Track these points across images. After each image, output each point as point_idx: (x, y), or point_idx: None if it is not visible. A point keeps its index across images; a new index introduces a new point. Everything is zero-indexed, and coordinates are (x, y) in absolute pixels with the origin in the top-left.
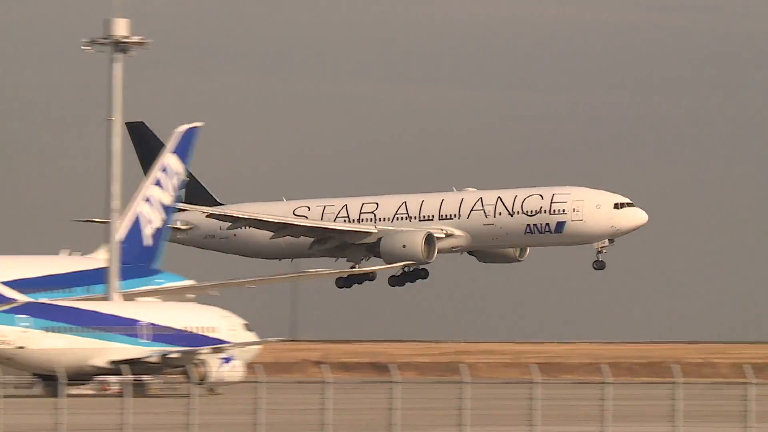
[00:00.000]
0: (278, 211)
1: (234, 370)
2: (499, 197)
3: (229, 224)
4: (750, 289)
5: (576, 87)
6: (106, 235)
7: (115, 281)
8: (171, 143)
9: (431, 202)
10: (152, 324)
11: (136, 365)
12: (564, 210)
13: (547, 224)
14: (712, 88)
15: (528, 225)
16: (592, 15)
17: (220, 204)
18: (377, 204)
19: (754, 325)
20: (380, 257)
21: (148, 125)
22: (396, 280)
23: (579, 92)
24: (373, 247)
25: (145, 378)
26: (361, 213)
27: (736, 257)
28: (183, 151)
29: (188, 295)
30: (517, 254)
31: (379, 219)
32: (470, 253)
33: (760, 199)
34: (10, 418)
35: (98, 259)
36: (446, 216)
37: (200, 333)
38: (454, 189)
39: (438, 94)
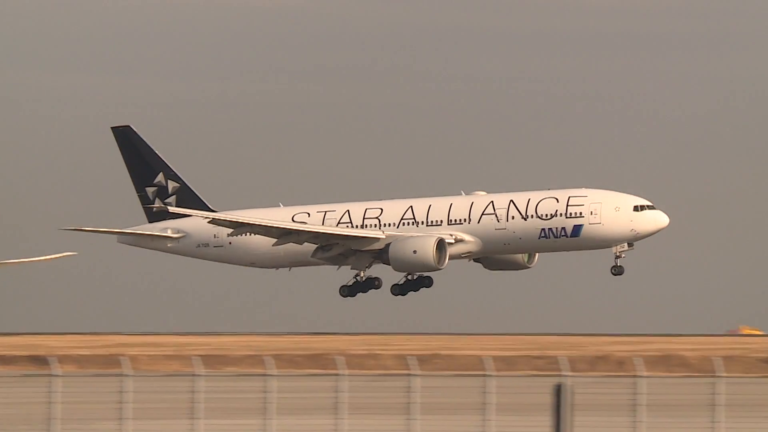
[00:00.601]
0: (276, 217)
1: None
2: (511, 201)
3: (232, 231)
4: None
5: (582, 83)
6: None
7: None
8: None
9: (439, 207)
10: None
11: None
12: (581, 213)
13: (563, 228)
14: (730, 84)
15: (543, 229)
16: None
17: (214, 211)
18: (381, 209)
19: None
20: (388, 264)
21: (135, 129)
22: (399, 289)
23: (583, 89)
24: (381, 254)
25: None
26: (364, 219)
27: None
28: None
29: None
30: (526, 260)
31: (384, 225)
32: (476, 260)
33: None
34: None
35: None
36: (456, 221)
37: None
38: (463, 193)
39: (438, 92)
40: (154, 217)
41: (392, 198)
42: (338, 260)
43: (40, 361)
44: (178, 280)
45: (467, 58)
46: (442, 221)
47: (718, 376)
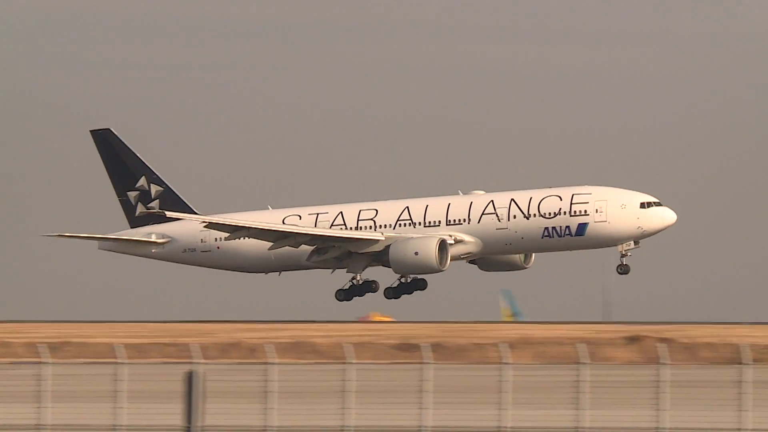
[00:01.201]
0: (266, 220)
1: None
2: (512, 199)
3: (228, 235)
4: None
5: (580, 76)
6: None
7: None
8: None
9: (437, 207)
10: None
11: None
12: (585, 211)
13: (568, 227)
14: (739, 80)
15: (546, 228)
16: None
17: (200, 215)
18: (376, 210)
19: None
20: (387, 266)
21: (115, 132)
22: (393, 292)
23: (580, 83)
24: (380, 256)
25: None
26: (359, 220)
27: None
28: None
29: None
30: (523, 261)
31: (380, 226)
32: (471, 261)
33: None
34: None
35: None
36: (455, 221)
37: None
38: (460, 192)
39: (432, 88)
40: (136, 222)
41: (386, 199)
42: (333, 263)
43: None
44: (166, 283)
45: (459, 51)
46: (440, 222)
47: (349, 363)
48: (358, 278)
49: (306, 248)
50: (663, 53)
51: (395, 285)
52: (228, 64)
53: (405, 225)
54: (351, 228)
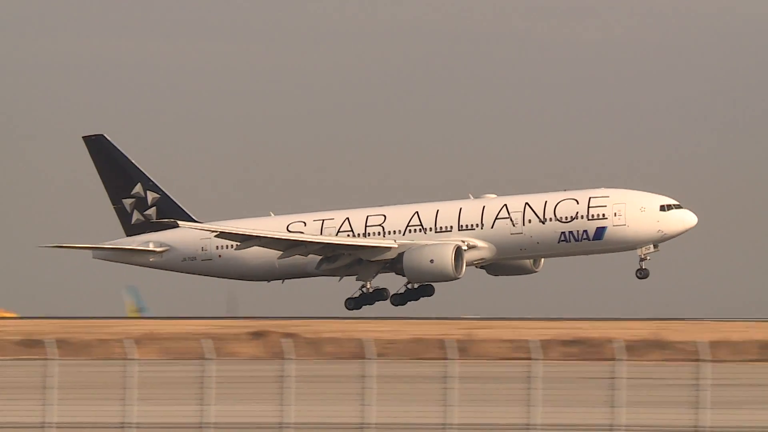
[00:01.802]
0: (269, 227)
1: None
2: (526, 203)
3: (239, 244)
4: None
5: (591, 79)
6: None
7: None
8: None
9: (448, 211)
10: None
11: None
12: (604, 215)
13: (585, 231)
14: (760, 80)
15: (563, 233)
16: None
17: (198, 222)
18: (385, 216)
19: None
20: (401, 274)
21: (108, 138)
22: (399, 298)
23: (591, 85)
24: (393, 264)
25: None
26: (366, 226)
27: None
28: None
29: None
30: (532, 264)
31: (388, 232)
32: (479, 266)
33: None
34: None
35: None
36: (467, 226)
37: None
38: (471, 196)
39: (440, 90)
40: (133, 230)
41: (392, 204)
42: (342, 271)
43: None
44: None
45: (471, 54)
46: (452, 227)
47: None
48: (369, 286)
49: (314, 256)
50: (681, 51)
51: (402, 291)
52: (224, 66)
53: (415, 231)
54: (359, 234)
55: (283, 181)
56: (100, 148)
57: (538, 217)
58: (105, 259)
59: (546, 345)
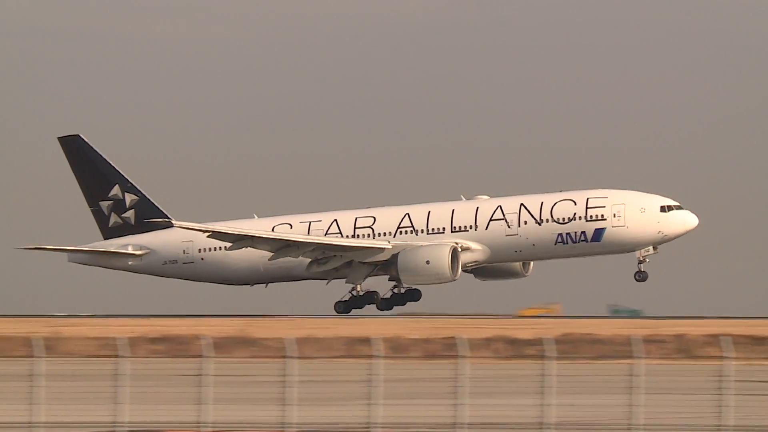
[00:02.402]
0: (253, 229)
1: None
2: (522, 204)
3: (230, 245)
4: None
5: (585, 78)
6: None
7: None
8: None
9: (440, 213)
10: None
11: None
12: (602, 216)
13: (583, 232)
14: (760, 80)
15: (560, 234)
16: None
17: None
18: (374, 218)
19: None
20: (395, 276)
21: (85, 138)
22: (385, 303)
23: (585, 85)
24: (386, 265)
25: None
26: (355, 228)
27: None
28: None
29: None
30: (522, 268)
31: (378, 234)
32: (470, 270)
33: None
34: None
35: None
36: (460, 228)
37: None
38: (463, 198)
39: (430, 89)
40: (110, 233)
41: (380, 206)
42: (331, 274)
43: None
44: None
45: (462, 52)
46: (444, 229)
47: None
48: (359, 289)
49: (302, 259)
50: (681, 49)
51: (388, 296)
52: (205, 65)
53: (406, 233)
54: (347, 236)
55: (267, 184)
56: (76, 149)
57: (534, 218)
58: (81, 263)
59: (133, 342)
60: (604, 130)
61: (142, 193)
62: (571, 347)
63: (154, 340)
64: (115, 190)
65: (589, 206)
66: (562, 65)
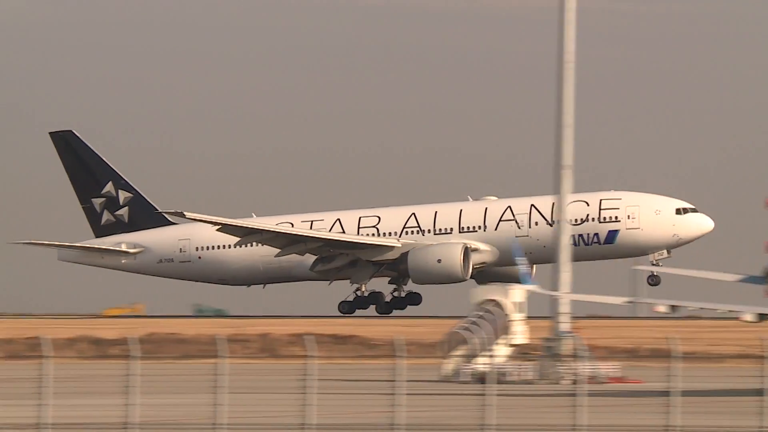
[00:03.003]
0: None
1: None
2: (532, 205)
3: (238, 240)
4: None
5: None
6: None
7: None
8: None
9: (447, 213)
10: None
11: None
12: (616, 217)
13: (596, 234)
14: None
15: (572, 236)
16: None
17: (173, 224)
18: (379, 217)
19: None
20: (405, 275)
21: (77, 134)
22: (385, 307)
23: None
24: (395, 265)
25: None
26: (359, 228)
27: None
28: None
29: None
30: None
31: (383, 234)
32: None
33: None
34: None
35: None
36: (468, 228)
37: None
38: (470, 198)
39: (435, 87)
40: (102, 231)
41: (385, 206)
42: (334, 274)
43: None
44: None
45: (468, 46)
46: (452, 229)
47: None
48: (363, 289)
49: (300, 258)
50: (696, 49)
51: (388, 299)
52: (202, 59)
53: (412, 233)
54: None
55: (265, 182)
56: (68, 145)
57: (545, 219)
58: (72, 261)
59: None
60: (613, 132)
61: (136, 190)
62: (156, 347)
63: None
64: (109, 187)
65: (602, 207)
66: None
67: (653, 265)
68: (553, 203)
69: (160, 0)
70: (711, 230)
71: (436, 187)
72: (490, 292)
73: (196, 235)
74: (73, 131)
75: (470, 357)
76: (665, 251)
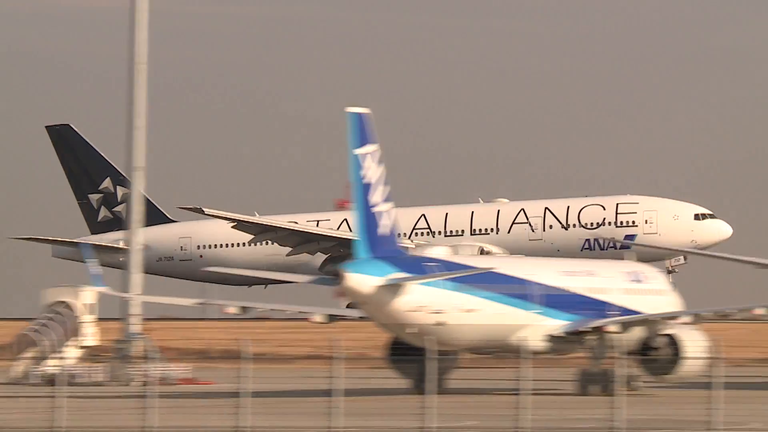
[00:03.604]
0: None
1: None
2: (546, 208)
3: (252, 237)
4: None
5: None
6: None
7: None
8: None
9: (459, 215)
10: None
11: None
12: (634, 222)
13: (613, 238)
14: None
15: (587, 240)
16: None
17: (173, 221)
18: None
19: None
20: None
21: (75, 128)
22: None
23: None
24: None
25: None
26: None
27: None
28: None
29: None
30: None
31: None
32: None
33: None
34: None
35: None
36: (481, 230)
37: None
38: (481, 200)
39: (443, 87)
40: (98, 228)
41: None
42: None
43: None
44: None
45: (479, 47)
46: (463, 231)
47: None
48: None
49: (304, 257)
50: (707, 54)
51: None
52: (205, 51)
53: (422, 234)
54: None
55: (268, 180)
56: (65, 139)
57: (561, 222)
58: (67, 258)
59: None
60: (627, 136)
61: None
62: None
63: None
64: (106, 183)
65: (619, 212)
66: (576, 68)
67: (669, 272)
68: (568, 206)
69: None
70: (729, 237)
71: (446, 188)
72: (61, 293)
73: (198, 233)
74: (71, 125)
75: (40, 359)
76: (682, 257)
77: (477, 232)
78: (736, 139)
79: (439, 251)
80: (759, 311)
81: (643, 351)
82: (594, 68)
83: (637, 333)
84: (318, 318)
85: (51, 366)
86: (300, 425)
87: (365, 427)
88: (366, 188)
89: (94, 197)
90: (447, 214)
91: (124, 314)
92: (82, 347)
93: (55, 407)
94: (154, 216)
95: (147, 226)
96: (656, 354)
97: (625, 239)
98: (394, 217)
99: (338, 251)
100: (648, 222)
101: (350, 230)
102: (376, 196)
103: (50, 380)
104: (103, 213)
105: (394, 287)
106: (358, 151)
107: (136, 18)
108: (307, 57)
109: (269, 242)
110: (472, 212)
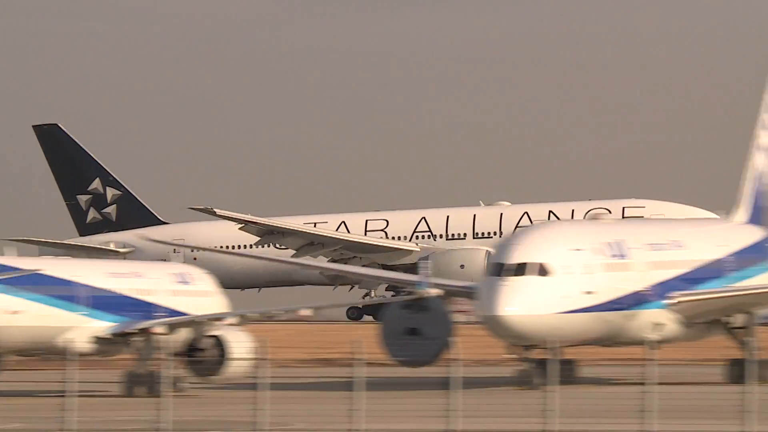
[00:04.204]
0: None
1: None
2: (551, 211)
3: (259, 238)
4: None
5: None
6: None
7: None
8: None
9: (460, 218)
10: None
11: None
12: None
13: None
14: None
15: None
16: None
17: (165, 223)
18: (387, 221)
19: None
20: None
21: (63, 128)
22: (357, 312)
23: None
24: (412, 269)
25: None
26: (366, 231)
27: None
28: None
29: None
30: None
31: (392, 238)
32: None
33: None
34: None
35: None
36: (484, 233)
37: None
38: (482, 203)
39: (445, 88)
40: (87, 230)
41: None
42: (341, 278)
43: None
44: None
45: (479, 47)
46: (466, 234)
47: None
48: (374, 294)
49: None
50: (716, 58)
51: (360, 306)
52: (199, 49)
53: (423, 237)
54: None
55: (260, 181)
56: (53, 139)
57: None
58: None
59: None
60: (631, 139)
61: (125, 187)
62: None
63: None
64: (95, 184)
65: (625, 215)
66: (580, 71)
67: None
68: (573, 210)
69: None
70: None
71: (446, 191)
72: None
73: (192, 235)
74: (59, 125)
75: None
76: None
77: (480, 235)
78: (746, 143)
79: None
80: (304, 312)
81: (190, 352)
82: (600, 69)
83: (184, 334)
84: None
85: None
86: None
87: None
88: None
89: (82, 198)
90: (448, 216)
91: None
92: None
93: None
94: (146, 219)
95: (136, 227)
96: (203, 355)
97: None
98: None
99: (340, 254)
100: None
101: (348, 232)
102: None
103: None
104: (92, 214)
105: None
106: None
107: None
108: (308, 57)
109: (270, 245)
110: (474, 215)
